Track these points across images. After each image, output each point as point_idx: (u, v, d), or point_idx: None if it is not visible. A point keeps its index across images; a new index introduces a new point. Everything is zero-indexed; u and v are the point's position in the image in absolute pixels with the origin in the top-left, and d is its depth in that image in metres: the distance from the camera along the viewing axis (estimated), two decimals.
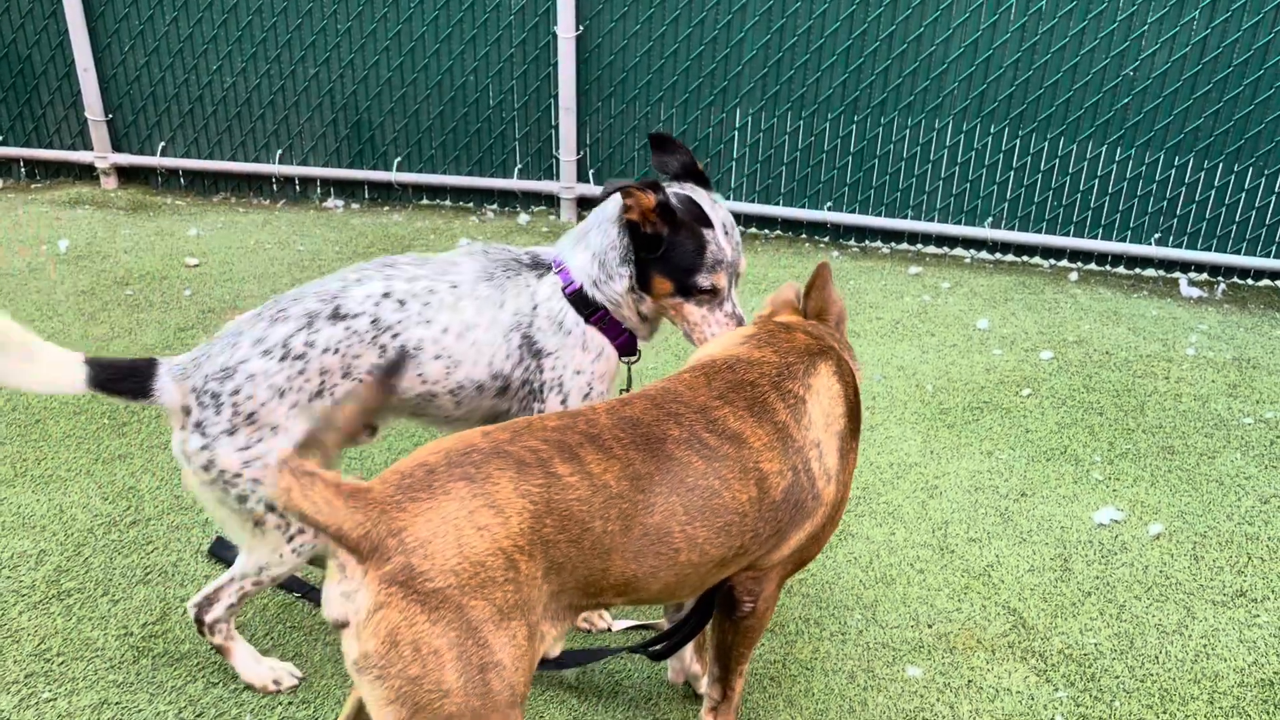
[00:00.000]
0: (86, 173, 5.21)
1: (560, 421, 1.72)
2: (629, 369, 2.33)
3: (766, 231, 5.00)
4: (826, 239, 4.94)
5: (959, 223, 4.77)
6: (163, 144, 5.09)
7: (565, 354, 2.16)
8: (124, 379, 2.07)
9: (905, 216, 4.81)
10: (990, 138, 4.59)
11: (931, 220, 4.79)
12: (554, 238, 4.76)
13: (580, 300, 2.17)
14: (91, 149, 5.11)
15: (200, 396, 2.04)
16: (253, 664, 2.29)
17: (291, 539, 2.12)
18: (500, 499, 1.56)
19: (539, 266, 2.21)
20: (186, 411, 2.06)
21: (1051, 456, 3.32)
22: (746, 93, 4.69)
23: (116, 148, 5.12)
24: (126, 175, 5.21)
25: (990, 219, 4.74)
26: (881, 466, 3.24)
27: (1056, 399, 3.67)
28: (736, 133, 4.77)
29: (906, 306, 4.34)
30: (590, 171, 4.95)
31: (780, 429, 1.87)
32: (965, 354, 3.97)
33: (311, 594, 2.54)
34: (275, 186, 5.17)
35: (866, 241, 4.92)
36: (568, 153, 4.87)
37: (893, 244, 4.90)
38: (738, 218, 4.98)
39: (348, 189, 5.14)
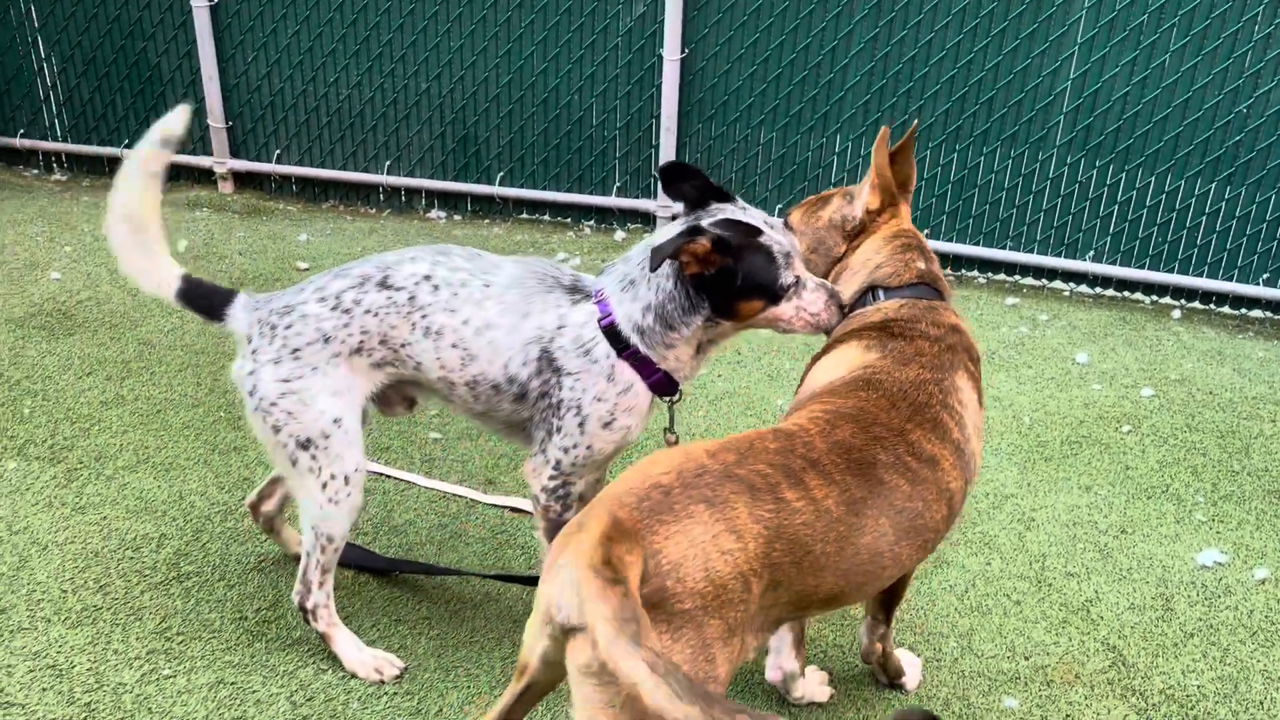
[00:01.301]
0: (206, 177, 5.45)
1: (779, 444, 1.77)
2: (670, 406, 2.31)
3: None
4: None
5: (1059, 255, 4.72)
6: (278, 151, 5.30)
7: (587, 379, 2.18)
8: (205, 298, 2.31)
9: (1004, 247, 4.77)
10: (1095, 171, 4.53)
11: (1030, 252, 4.74)
12: None
13: (613, 335, 2.18)
14: (211, 154, 5.34)
15: (261, 327, 2.23)
16: (355, 652, 2.39)
17: (325, 486, 2.24)
18: (739, 524, 1.63)
19: (578, 292, 2.23)
20: (249, 339, 2.25)
21: (1152, 495, 3.27)
22: (848, 118, 4.72)
23: (235, 154, 5.34)
24: (242, 180, 5.43)
25: (1092, 253, 4.68)
26: (978, 496, 3.22)
27: (1158, 437, 3.60)
28: (836, 158, 4.79)
29: (1003, 337, 4.30)
30: None
31: (957, 447, 1.94)
32: (1063, 388, 3.92)
33: (373, 570, 2.70)
34: (382, 196, 5.33)
35: (963, 270, 4.89)
36: None
37: (989, 274, 4.87)
38: None
39: (451, 201, 5.29)
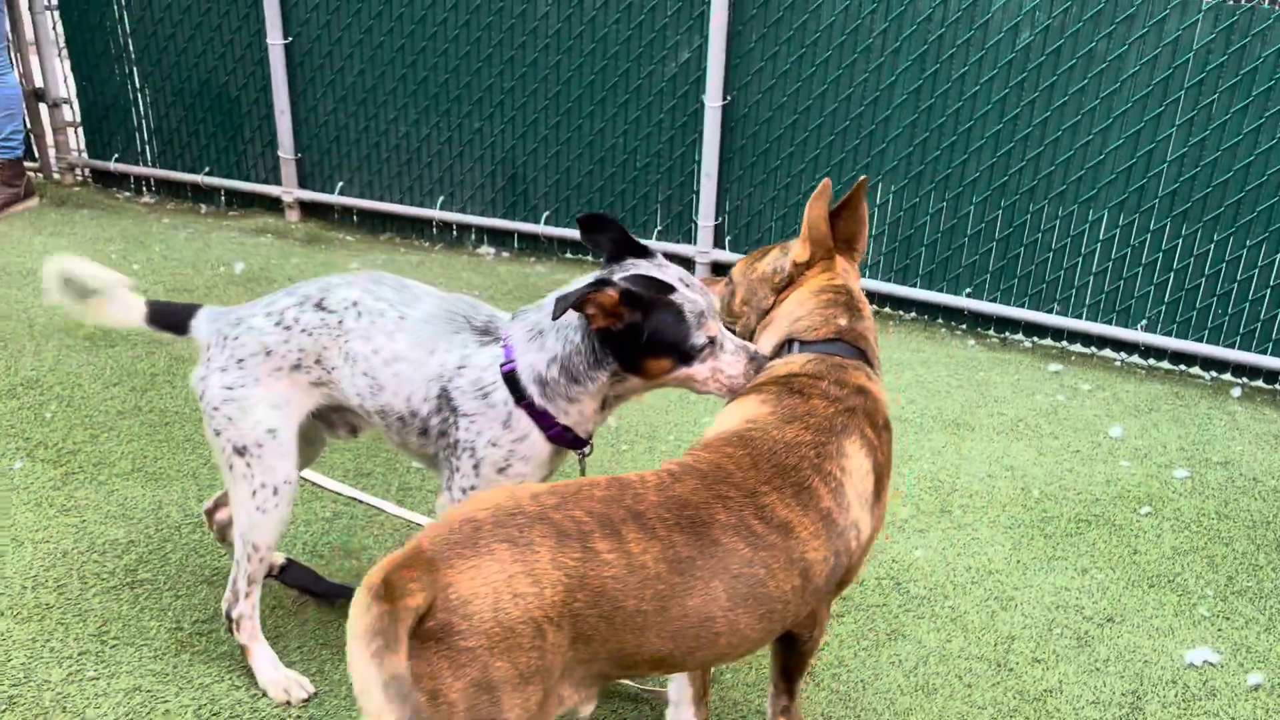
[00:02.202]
0: (274, 205, 5.70)
1: (607, 493, 1.73)
2: (582, 460, 2.27)
3: (901, 313, 4.85)
4: (964, 326, 4.74)
5: (1109, 322, 4.47)
6: (341, 184, 5.51)
7: (482, 422, 2.15)
8: (172, 317, 2.42)
9: (1050, 310, 4.55)
10: (1149, 234, 4.29)
11: (1079, 317, 4.51)
12: None
13: (513, 383, 2.14)
14: (280, 184, 5.60)
15: (218, 337, 2.33)
16: (270, 669, 2.42)
17: (255, 494, 2.30)
18: (539, 569, 1.59)
19: (487, 334, 2.20)
20: (208, 348, 2.35)
21: (1155, 583, 3.03)
22: (890, 169, 4.61)
23: (302, 184, 5.59)
24: (308, 210, 5.67)
25: (1144, 321, 4.42)
26: (957, 569, 3.05)
27: (1180, 522, 3.35)
28: (877, 209, 4.68)
29: (1036, 405, 4.09)
30: (727, 238, 4.97)
31: (825, 516, 1.84)
32: (1087, 461, 3.69)
33: (316, 593, 2.70)
34: (435, 230, 5.48)
35: (1007, 333, 4.69)
36: (706, 218, 4.92)
37: (1035, 338, 4.64)
38: (872, 297, 4.86)
39: (499, 237, 5.39)
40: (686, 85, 4.78)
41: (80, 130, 5.98)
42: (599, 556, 1.63)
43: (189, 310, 2.41)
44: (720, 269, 5.03)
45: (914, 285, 4.73)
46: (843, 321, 2.11)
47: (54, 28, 5.74)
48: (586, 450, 2.24)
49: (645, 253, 2.14)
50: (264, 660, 2.43)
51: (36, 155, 6.03)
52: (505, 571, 1.57)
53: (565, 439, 2.19)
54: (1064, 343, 4.62)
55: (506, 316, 2.25)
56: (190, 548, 2.92)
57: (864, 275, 4.80)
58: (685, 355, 2.06)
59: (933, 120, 4.47)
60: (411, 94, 5.20)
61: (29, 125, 5.84)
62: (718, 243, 4.98)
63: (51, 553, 2.86)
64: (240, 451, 2.28)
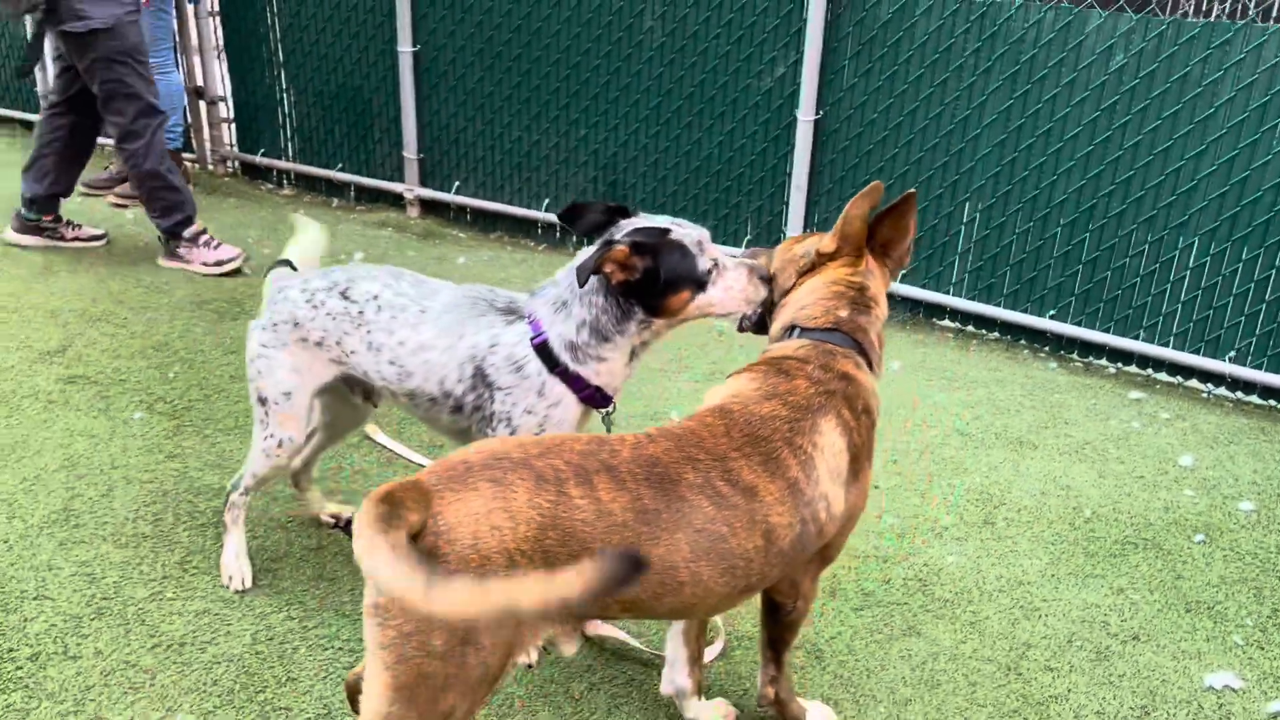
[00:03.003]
0: (397, 201, 6.11)
1: (586, 447, 1.92)
2: (607, 418, 2.45)
3: (984, 332, 4.85)
4: (1047, 348, 4.71)
5: (1196, 351, 4.37)
6: (457, 183, 5.87)
7: (518, 393, 2.35)
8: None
9: (1135, 336, 4.47)
10: (1241, 264, 4.18)
11: (1165, 345, 4.42)
12: None
13: (545, 353, 2.34)
14: (404, 181, 6.00)
15: (272, 298, 2.62)
16: (232, 555, 2.83)
17: (265, 439, 2.64)
18: (515, 506, 1.79)
19: (512, 313, 2.40)
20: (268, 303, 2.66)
21: (1193, 609, 3.00)
22: (977, 188, 4.63)
23: (423, 182, 5.98)
24: (427, 207, 6.06)
25: (1233, 352, 4.30)
26: (987, 577, 3.09)
27: (1234, 553, 3.29)
28: (963, 227, 4.71)
29: (1108, 429, 4.04)
30: None
31: (792, 485, 1.98)
32: (1149, 487, 3.64)
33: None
34: (540, 231, 5.77)
35: (1091, 358, 4.63)
36: (795, 230, 5.04)
37: (1120, 364, 4.57)
38: (954, 314, 4.89)
39: None
40: (780, 99, 4.91)
41: (233, 126, 6.55)
42: (571, 501, 1.82)
43: (273, 267, 2.74)
44: None
45: (997, 304, 4.73)
46: (843, 313, 2.22)
47: (215, 33, 6.33)
48: (611, 409, 2.44)
49: (629, 213, 2.34)
50: (232, 544, 2.84)
51: (195, 147, 6.64)
52: (487, 506, 1.77)
53: (596, 399, 2.40)
54: (1149, 370, 4.53)
55: (525, 296, 2.46)
56: (271, 497, 3.24)
57: (947, 293, 4.83)
58: (699, 282, 2.27)
59: (1022, 140, 4.47)
60: (525, 101, 5.50)
61: (189, 120, 6.44)
62: None
63: (154, 491, 3.23)
64: (262, 401, 2.60)
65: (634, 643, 2.67)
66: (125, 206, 5.94)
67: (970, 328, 4.88)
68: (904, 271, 4.85)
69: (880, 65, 4.67)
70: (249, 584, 2.80)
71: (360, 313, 2.50)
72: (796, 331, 2.23)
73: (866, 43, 4.66)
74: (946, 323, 4.93)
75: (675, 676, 2.40)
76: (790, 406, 2.05)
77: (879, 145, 4.77)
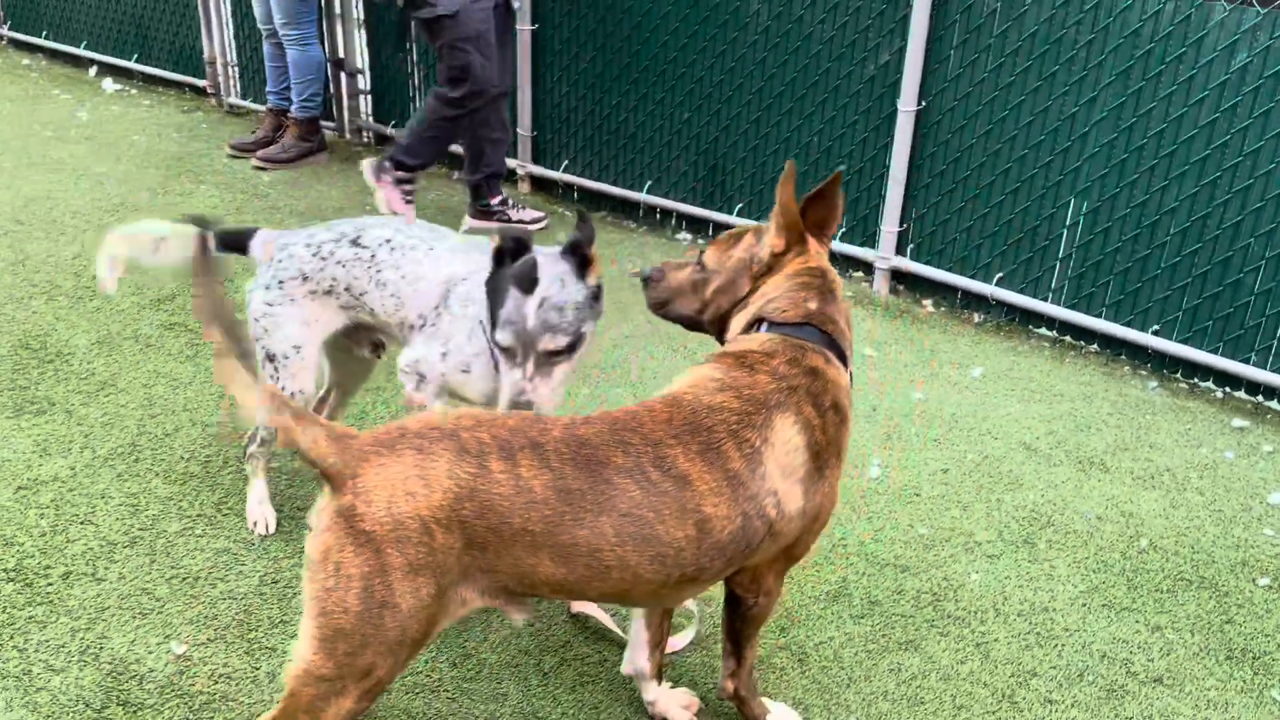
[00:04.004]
0: (510, 177, 6.26)
1: (517, 423, 1.95)
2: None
3: (1082, 344, 4.56)
4: (1149, 366, 4.38)
5: None
6: (566, 162, 5.96)
7: (457, 325, 2.51)
8: (235, 239, 2.80)
9: (1246, 360, 4.11)
10: None
11: (1278, 371, 4.04)
12: (866, 308, 4.80)
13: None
14: (516, 158, 6.14)
15: (267, 258, 2.73)
16: (255, 502, 2.98)
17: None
18: (432, 475, 1.85)
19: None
20: (261, 265, 2.77)
21: (1235, 656, 2.76)
22: (1083, 189, 4.35)
23: (534, 160, 6.10)
24: (537, 183, 6.18)
25: None
26: (1010, 599, 2.93)
27: None
28: (1066, 230, 4.43)
29: (1195, 458, 3.74)
30: (909, 246, 4.90)
31: (731, 477, 1.95)
32: (1224, 523, 3.36)
33: None
34: (640, 213, 5.79)
35: (1197, 379, 4.28)
36: (890, 224, 4.87)
37: (1228, 388, 4.21)
38: (1050, 323, 4.62)
39: (696, 224, 5.61)
40: (882, 89, 4.75)
41: (369, 98, 6.86)
42: (490, 474, 1.85)
43: (249, 233, 2.83)
44: (900, 276, 4.97)
45: (1098, 315, 4.44)
46: (813, 305, 2.16)
47: (356, 6, 6.63)
48: None
49: (586, 262, 2.38)
50: (254, 493, 3.00)
51: (334, 117, 7.00)
52: (405, 473, 1.83)
53: None
54: (1259, 397, 4.16)
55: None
56: None
57: (1045, 299, 4.57)
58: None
59: (1133, 141, 4.16)
60: (632, 82, 5.53)
61: (329, 90, 6.79)
62: (900, 249, 4.92)
63: (211, 435, 3.45)
64: (270, 358, 2.72)
65: (612, 625, 2.68)
66: (265, 169, 6.33)
67: (1068, 338, 4.59)
68: (1000, 274, 4.64)
69: (986, 56, 4.44)
70: (271, 529, 2.97)
71: (373, 256, 2.62)
72: (764, 326, 2.18)
73: (973, 32, 4.44)
74: (1044, 331, 4.66)
75: (635, 658, 2.40)
76: (744, 400, 2.00)
77: (981, 140, 4.55)
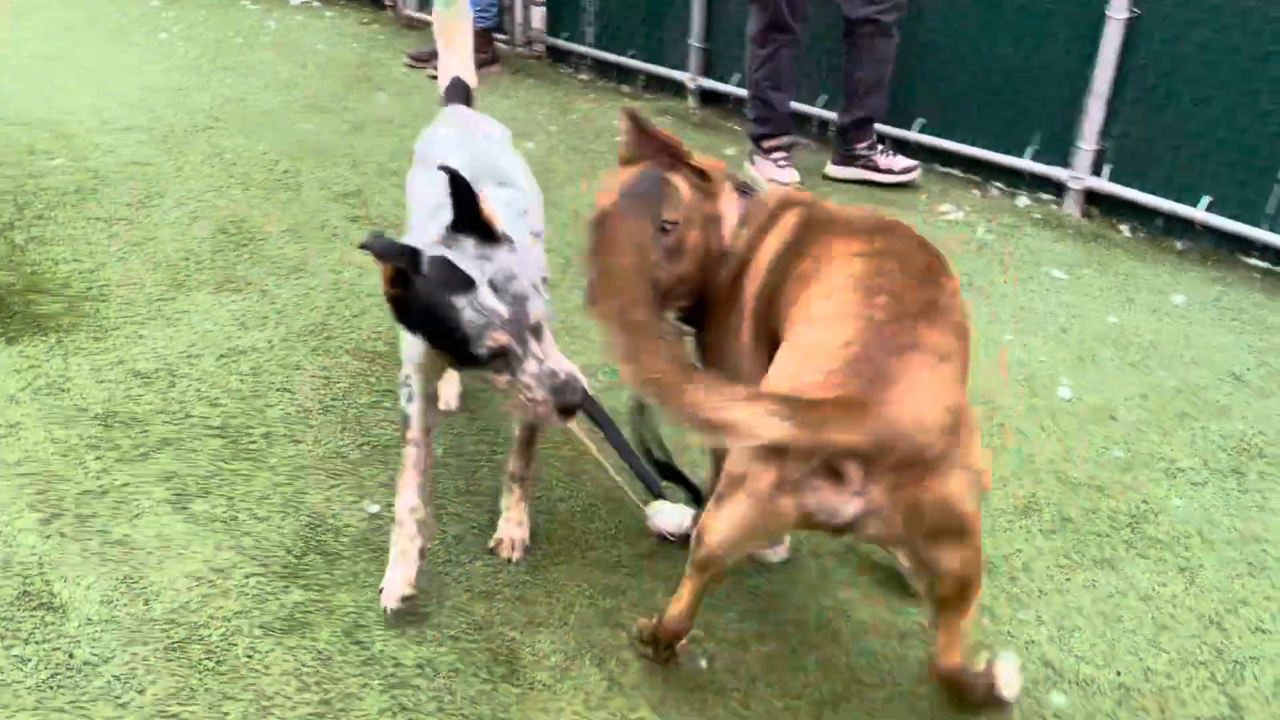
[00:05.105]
0: (680, 90, 6.17)
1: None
2: None
3: None
4: None
5: None
6: (738, 75, 5.82)
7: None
8: (461, 93, 3.02)
9: None
10: None
11: None
12: (1054, 230, 4.54)
13: None
14: (687, 70, 6.03)
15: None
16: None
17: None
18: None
19: (504, 186, 2.55)
20: None
21: None
22: None
23: (705, 73, 5.98)
24: (707, 97, 6.06)
25: None
26: (1218, 527, 2.74)
27: None
28: None
29: None
30: (1107, 167, 4.59)
31: None
32: None
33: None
34: (815, 128, 5.61)
35: None
36: (1089, 142, 4.57)
37: None
38: (1266, 250, 4.25)
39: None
40: None
41: (543, 9, 6.85)
42: None
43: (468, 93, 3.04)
44: (1094, 197, 4.67)
45: None
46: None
47: None
48: None
49: (493, 237, 2.04)
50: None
51: (507, 29, 7.03)
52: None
53: None
54: None
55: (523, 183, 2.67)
56: None
57: (1260, 226, 4.21)
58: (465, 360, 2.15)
59: None
60: None
61: (504, 2, 6.81)
62: (1096, 170, 4.61)
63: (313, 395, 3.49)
64: None
65: (600, 457, 2.57)
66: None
67: None
68: (1209, 199, 4.29)
69: None
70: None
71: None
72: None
73: None
74: (1255, 260, 4.31)
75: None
76: None
77: (1198, 50, 4.19)
